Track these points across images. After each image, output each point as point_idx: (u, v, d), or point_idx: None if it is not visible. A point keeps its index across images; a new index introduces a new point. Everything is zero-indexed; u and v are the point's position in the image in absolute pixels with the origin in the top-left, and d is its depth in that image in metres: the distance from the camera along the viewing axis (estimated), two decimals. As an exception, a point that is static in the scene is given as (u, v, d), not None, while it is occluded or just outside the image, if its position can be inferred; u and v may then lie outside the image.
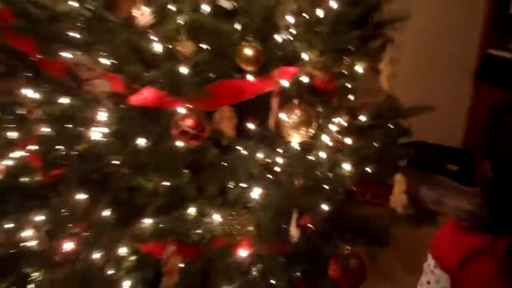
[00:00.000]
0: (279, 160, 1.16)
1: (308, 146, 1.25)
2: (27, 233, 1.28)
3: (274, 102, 1.05)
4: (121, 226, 1.10)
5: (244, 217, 1.05)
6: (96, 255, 1.12)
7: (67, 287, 1.12)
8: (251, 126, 1.18)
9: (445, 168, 2.43)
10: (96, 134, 1.02)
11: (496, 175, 0.76)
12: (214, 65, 1.09)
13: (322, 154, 1.24)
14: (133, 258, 1.16)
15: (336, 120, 1.32)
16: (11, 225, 1.26)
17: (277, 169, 1.14)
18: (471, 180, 1.20)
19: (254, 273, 1.14)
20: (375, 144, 1.38)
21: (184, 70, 1.06)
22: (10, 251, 1.21)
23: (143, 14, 1.08)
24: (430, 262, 0.87)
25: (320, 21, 1.23)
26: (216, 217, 1.06)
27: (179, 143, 1.02)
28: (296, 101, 1.17)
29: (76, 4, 1.09)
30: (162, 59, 1.08)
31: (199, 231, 1.01)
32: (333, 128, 1.31)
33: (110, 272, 1.12)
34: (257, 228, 1.06)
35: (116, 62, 1.05)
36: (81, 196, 1.11)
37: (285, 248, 1.15)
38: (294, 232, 1.09)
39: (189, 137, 0.96)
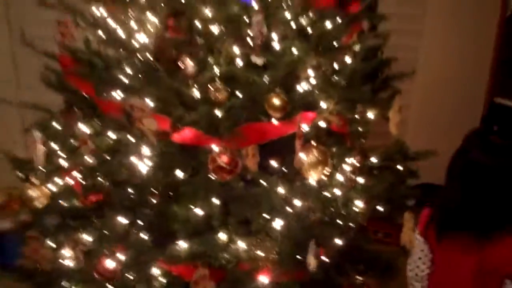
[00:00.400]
0: (298, 195, 1.29)
1: (324, 183, 1.39)
2: (67, 252, 1.43)
3: (298, 143, 1.20)
4: (156, 248, 1.23)
5: (267, 245, 1.17)
6: (131, 275, 1.25)
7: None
8: (273, 163, 1.33)
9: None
10: (141, 165, 1.18)
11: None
12: (245, 110, 1.26)
13: (337, 191, 1.38)
14: (163, 279, 1.28)
15: (350, 160, 1.46)
16: (52, 244, 1.41)
17: (296, 203, 1.27)
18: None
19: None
20: (385, 183, 1.51)
21: (219, 113, 1.23)
22: (53, 266, 1.35)
23: (186, 65, 1.27)
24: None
25: (336, 74, 1.41)
26: (241, 244, 1.18)
27: (212, 176, 1.17)
28: (314, 143, 1.32)
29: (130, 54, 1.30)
30: (200, 103, 1.26)
31: (226, 255, 1.13)
32: (346, 168, 1.45)
33: (142, 291, 1.25)
34: (278, 256, 1.18)
35: (161, 104, 1.22)
36: (121, 220, 1.25)
37: (303, 276, 1.26)
38: (311, 261, 1.21)
39: (224, 171, 1.11)
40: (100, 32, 1.41)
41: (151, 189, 1.20)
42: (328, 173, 1.34)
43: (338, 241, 1.32)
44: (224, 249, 1.13)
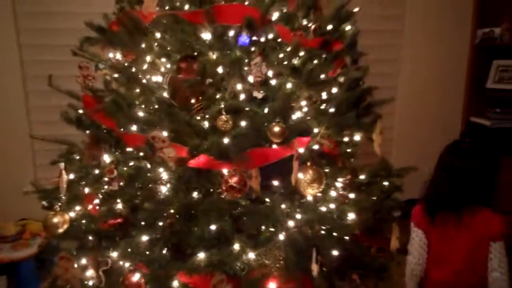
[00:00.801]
0: (298, 209, 1.48)
1: (320, 199, 1.58)
2: (90, 272, 1.58)
3: (295, 164, 1.40)
4: (175, 262, 1.39)
5: (274, 253, 1.35)
6: (153, 288, 1.40)
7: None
8: (274, 182, 1.52)
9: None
10: (162, 188, 1.36)
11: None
12: (248, 137, 1.46)
13: (331, 205, 1.57)
14: (181, 291, 1.43)
15: (341, 178, 1.66)
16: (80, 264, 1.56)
17: (297, 216, 1.46)
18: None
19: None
20: (373, 198, 1.71)
21: (226, 140, 1.43)
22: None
23: (197, 100, 1.48)
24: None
25: (325, 103, 1.63)
26: (251, 254, 1.36)
27: (223, 196, 1.36)
28: (309, 164, 1.51)
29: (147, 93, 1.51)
30: (210, 133, 1.46)
31: (239, 264, 1.30)
32: (338, 185, 1.65)
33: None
34: (284, 263, 1.35)
35: (177, 135, 1.42)
36: (144, 237, 1.42)
37: (308, 283, 1.43)
38: (314, 267, 1.38)
39: (235, 191, 1.30)
40: (118, 74, 1.62)
41: (171, 209, 1.38)
42: (322, 190, 1.53)
43: (336, 249, 1.50)
44: (237, 258, 1.30)
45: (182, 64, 1.45)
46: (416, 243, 1.60)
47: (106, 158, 1.51)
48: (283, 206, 1.46)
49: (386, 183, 1.76)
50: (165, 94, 1.48)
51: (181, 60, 1.46)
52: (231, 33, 1.52)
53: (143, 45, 1.50)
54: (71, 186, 1.69)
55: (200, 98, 1.43)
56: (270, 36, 1.56)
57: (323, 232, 1.52)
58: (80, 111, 1.80)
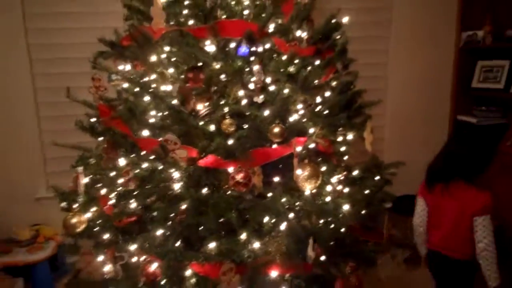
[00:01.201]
0: (297, 203, 1.64)
1: (317, 193, 1.73)
2: (108, 266, 1.73)
3: (295, 161, 1.56)
4: (187, 253, 1.54)
5: (276, 242, 1.50)
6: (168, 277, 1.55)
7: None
8: (276, 178, 1.68)
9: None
10: (175, 185, 1.51)
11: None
12: (250, 138, 1.62)
13: (328, 199, 1.72)
14: (193, 279, 1.57)
15: (336, 174, 1.81)
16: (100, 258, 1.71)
17: (296, 209, 1.61)
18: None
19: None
20: (365, 191, 1.87)
21: (231, 141, 1.59)
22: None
23: (203, 106, 1.64)
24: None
25: (319, 106, 1.79)
26: (256, 243, 1.51)
27: (230, 191, 1.51)
28: (306, 161, 1.67)
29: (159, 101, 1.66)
30: (216, 135, 1.61)
31: (246, 253, 1.45)
32: (334, 180, 1.80)
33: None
34: (286, 249, 1.50)
35: (186, 138, 1.58)
36: (159, 232, 1.57)
37: (306, 270, 1.58)
38: (311, 253, 1.53)
39: (241, 185, 1.45)
40: (130, 84, 1.77)
41: (183, 204, 1.53)
42: (319, 185, 1.68)
43: (332, 239, 1.65)
44: (244, 247, 1.45)
45: (190, 74, 1.60)
46: (418, 208, 1.98)
47: (122, 161, 1.66)
48: (283, 199, 1.61)
49: (377, 178, 1.91)
50: (175, 102, 1.64)
51: (188, 71, 1.61)
52: (232, 45, 1.68)
53: (153, 58, 1.66)
54: (88, 189, 1.84)
55: (207, 104, 1.58)
56: (268, 46, 1.72)
57: (320, 223, 1.68)
58: (93, 120, 1.96)
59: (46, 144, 2.88)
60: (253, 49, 1.65)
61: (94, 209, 1.83)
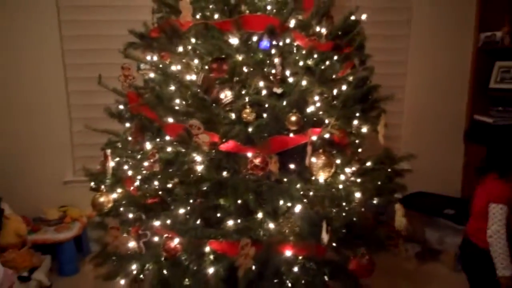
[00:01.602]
0: (311, 188, 1.72)
1: (331, 182, 1.82)
2: (132, 243, 1.85)
3: (309, 149, 1.65)
4: (207, 230, 1.65)
5: (290, 223, 1.59)
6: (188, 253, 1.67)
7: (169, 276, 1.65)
8: (291, 166, 1.77)
9: (443, 212, 2.91)
10: (197, 168, 1.62)
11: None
12: (269, 127, 1.71)
13: (340, 187, 1.80)
14: (211, 256, 1.69)
15: (349, 164, 1.89)
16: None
17: (310, 194, 1.70)
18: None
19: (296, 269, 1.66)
20: (378, 182, 1.94)
21: (250, 129, 1.69)
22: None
23: (226, 95, 1.74)
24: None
25: (335, 99, 1.87)
26: (271, 224, 1.61)
27: (248, 174, 1.62)
28: (321, 151, 1.75)
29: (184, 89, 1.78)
30: (236, 123, 1.72)
31: (262, 231, 1.55)
32: (347, 170, 1.88)
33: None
34: (299, 232, 1.60)
35: (209, 124, 1.69)
36: (181, 211, 1.69)
37: (319, 251, 1.66)
38: (324, 236, 1.62)
39: (259, 169, 1.55)
40: (158, 73, 1.90)
41: (204, 186, 1.64)
42: (332, 174, 1.77)
43: (344, 225, 1.73)
44: (260, 225, 1.55)
45: (214, 65, 1.71)
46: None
47: (148, 145, 1.78)
48: (298, 185, 1.70)
49: (389, 169, 1.98)
50: (199, 90, 1.75)
51: (212, 62, 1.72)
52: (255, 38, 1.78)
53: (180, 49, 1.77)
54: (114, 170, 1.98)
55: (230, 93, 1.69)
56: (288, 40, 1.82)
57: (333, 210, 1.76)
58: (121, 107, 2.09)
59: (75, 131, 3.06)
60: (274, 42, 1.75)
61: (120, 190, 1.97)
